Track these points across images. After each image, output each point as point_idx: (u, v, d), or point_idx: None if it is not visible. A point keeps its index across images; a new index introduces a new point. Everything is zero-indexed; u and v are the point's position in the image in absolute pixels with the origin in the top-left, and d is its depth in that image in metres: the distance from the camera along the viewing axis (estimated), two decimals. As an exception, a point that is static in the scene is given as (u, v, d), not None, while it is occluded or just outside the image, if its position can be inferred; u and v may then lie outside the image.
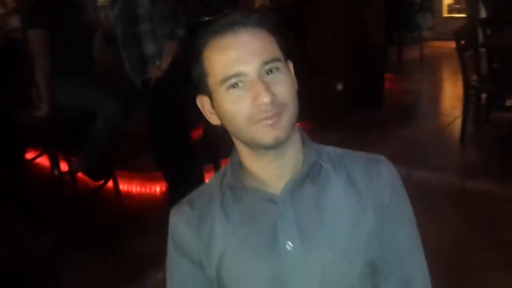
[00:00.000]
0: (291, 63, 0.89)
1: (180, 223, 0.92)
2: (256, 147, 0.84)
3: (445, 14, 7.51)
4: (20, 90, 3.11)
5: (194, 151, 2.84)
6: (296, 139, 0.89)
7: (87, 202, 3.05)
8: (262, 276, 0.86)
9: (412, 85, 5.40)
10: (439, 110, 4.81)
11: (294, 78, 0.87)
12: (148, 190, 3.28)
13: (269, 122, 0.79)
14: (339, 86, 4.15)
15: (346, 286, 0.86)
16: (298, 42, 3.71)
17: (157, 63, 2.62)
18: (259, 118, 0.79)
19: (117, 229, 2.81)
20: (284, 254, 0.85)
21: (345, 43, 4.07)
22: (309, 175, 0.88)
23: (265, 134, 0.80)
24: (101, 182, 3.09)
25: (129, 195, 3.19)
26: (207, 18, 3.56)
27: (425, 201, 2.26)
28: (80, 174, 3.06)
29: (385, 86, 4.62)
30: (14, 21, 4.34)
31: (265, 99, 0.77)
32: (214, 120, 0.89)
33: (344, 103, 4.21)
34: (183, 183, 2.50)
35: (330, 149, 0.94)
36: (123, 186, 3.22)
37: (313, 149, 0.91)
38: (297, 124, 0.88)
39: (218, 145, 2.79)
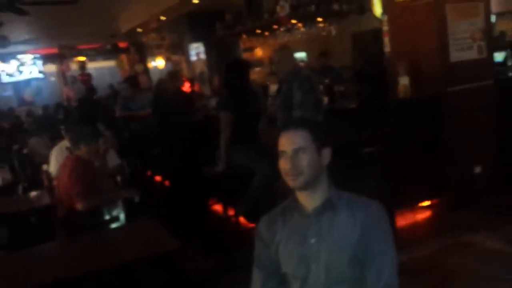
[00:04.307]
0: (328, 148, 1.66)
1: (262, 224, 1.76)
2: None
3: None
4: (209, 152, 4.37)
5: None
6: (323, 186, 1.66)
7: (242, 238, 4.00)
8: (296, 255, 1.63)
9: None
10: None
11: (320, 158, 1.63)
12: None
13: (290, 178, 1.61)
14: (477, 169, 4.41)
15: (340, 267, 1.59)
16: (433, 129, 4.19)
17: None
18: (286, 175, 1.62)
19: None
20: (309, 245, 1.62)
21: (483, 129, 4.34)
22: (329, 206, 1.64)
23: (289, 183, 1.63)
24: (254, 224, 4.02)
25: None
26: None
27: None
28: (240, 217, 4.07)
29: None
30: (213, 102, 5.88)
31: (288, 167, 1.60)
32: None
33: (481, 186, 4.40)
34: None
35: (346, 194, 1.70)
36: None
37: (335, 192, 1.68)
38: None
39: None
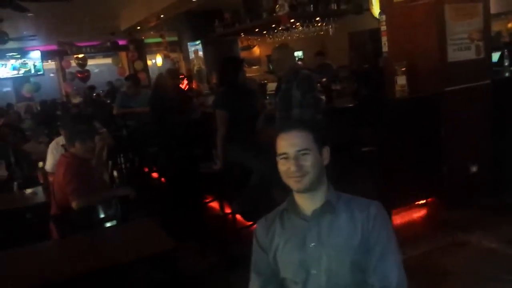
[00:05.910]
0: (327, 148, 1.64)
1: (260, 227, 1.72)
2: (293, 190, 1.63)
3: None
4: (206, 149, 4.37)
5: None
6: (323, 188, 1.64)
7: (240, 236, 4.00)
8: (296, 260, 1.60)
9: None
10: None
11: (322, 158, 1.61)
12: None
13: (295, 180, 1.58)
14: (473, 169, 4.41)
15: (341, 272, 1.55)
16: (430, 128, 4.19)
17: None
18: (290, 177, 1.59)
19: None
20: (308, 249, 1.59)
21: (480, 128, 4.36)
22: (328, 209, 1.61)
23: (293, 185, 1.60)
24: (251, 222, 4.03)
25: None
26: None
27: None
28: (237, 215, 4.07)
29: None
30: (211, 100, 5.88)
31: (292, 168, 1.57)
32: None
33: (477, 185, 4.40)
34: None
35: (345, 195, 1.67)
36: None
37: (334, 194, 1.65)
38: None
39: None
